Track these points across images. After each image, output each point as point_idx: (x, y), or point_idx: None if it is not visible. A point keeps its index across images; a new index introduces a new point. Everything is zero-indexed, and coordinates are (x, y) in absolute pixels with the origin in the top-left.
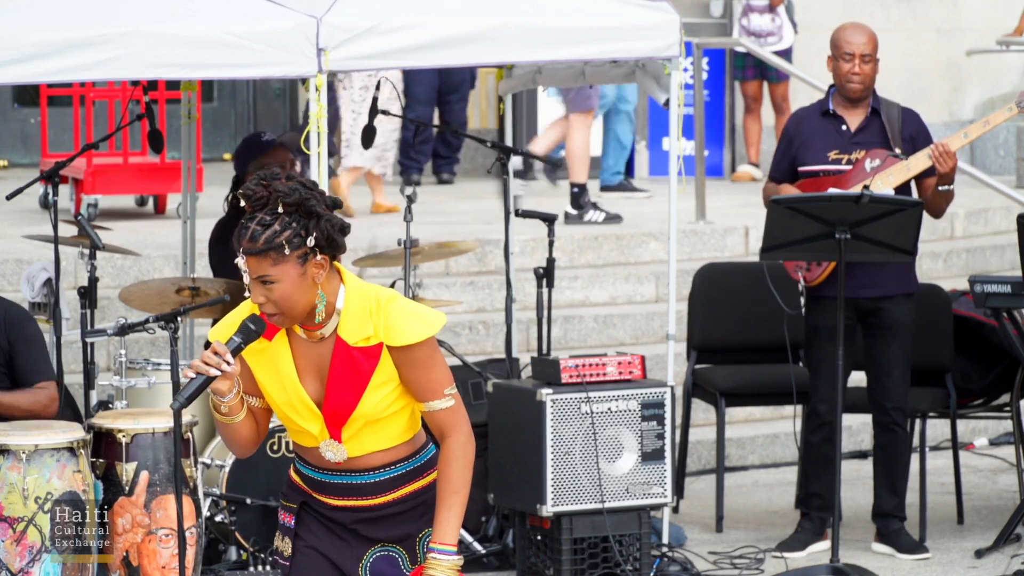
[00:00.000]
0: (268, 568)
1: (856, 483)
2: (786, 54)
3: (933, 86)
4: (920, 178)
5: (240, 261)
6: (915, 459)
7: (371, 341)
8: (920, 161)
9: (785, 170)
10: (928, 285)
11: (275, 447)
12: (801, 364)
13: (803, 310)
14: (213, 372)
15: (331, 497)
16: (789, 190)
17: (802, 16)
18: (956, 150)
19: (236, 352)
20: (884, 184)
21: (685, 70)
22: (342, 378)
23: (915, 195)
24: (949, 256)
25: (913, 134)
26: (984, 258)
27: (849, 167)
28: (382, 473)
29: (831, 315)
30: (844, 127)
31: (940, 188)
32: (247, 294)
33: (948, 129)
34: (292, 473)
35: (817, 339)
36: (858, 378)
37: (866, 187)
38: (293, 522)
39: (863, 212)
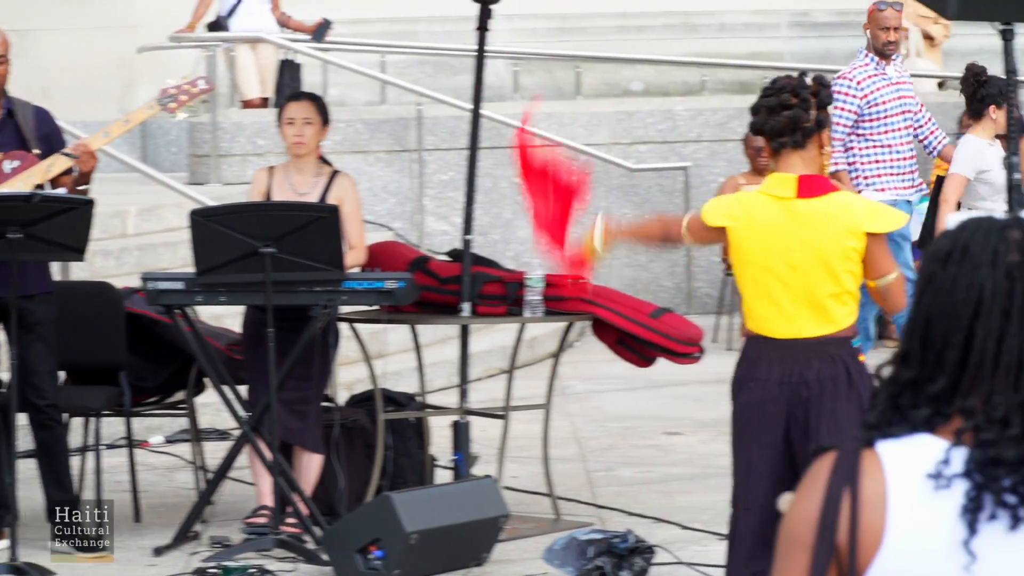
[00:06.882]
0: None
1: (33, 482)
2: None
3: (105, 84)
4: (58, 178)
5: None
6: (91, 457)
7: None
8: (61, 161)
9: None
10: (99, 283)
11: None
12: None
13: None
14: None
15: None
16: None
17: None
18: (96, 149)
19: None
20: (25, 185)
21: None
22: None
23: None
24: (121, 253)
25: (48, 133)
26: (156, 255)
27: None
28: None
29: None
30: None
31: (79, 188)
32: None
33: None
34: None
35: None
36: None
37: (39, 187)
38: None
39: (35, 212)
